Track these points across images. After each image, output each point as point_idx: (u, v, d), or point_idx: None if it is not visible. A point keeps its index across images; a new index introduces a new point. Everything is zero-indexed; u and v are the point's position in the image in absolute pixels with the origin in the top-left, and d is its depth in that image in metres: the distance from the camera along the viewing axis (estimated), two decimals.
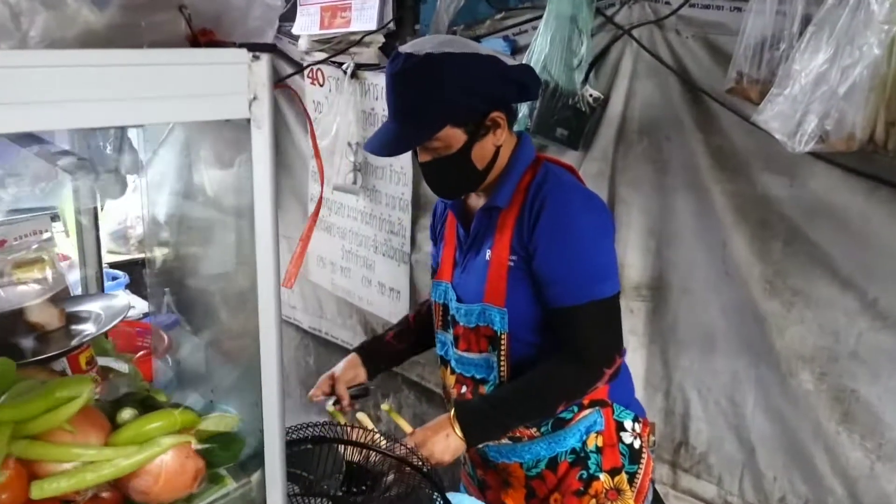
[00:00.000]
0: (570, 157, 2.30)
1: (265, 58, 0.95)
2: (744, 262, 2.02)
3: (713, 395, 2.18)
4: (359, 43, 2.82)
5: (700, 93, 2.02)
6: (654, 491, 1.90)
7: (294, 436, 1.40)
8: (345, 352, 3.44)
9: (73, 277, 3.26)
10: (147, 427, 1.02)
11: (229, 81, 0.93)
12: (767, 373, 2.03)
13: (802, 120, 1.61)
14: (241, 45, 0.94)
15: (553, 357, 1.66)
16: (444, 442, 1.63)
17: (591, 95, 2.19)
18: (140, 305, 2.56)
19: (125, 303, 1.33)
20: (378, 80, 2.82)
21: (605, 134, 2.25)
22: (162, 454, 1.00)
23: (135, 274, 3.03)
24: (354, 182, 2.98)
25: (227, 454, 1.08)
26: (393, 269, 2.99)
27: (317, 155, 1.23)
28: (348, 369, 1.95)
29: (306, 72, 3.16)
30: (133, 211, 4.09)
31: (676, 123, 2.10)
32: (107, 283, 2.90)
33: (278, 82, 1.14)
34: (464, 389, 1.82)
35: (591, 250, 1.63)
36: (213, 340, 1.68)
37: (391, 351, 2.03)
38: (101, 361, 1.35)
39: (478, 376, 1.79)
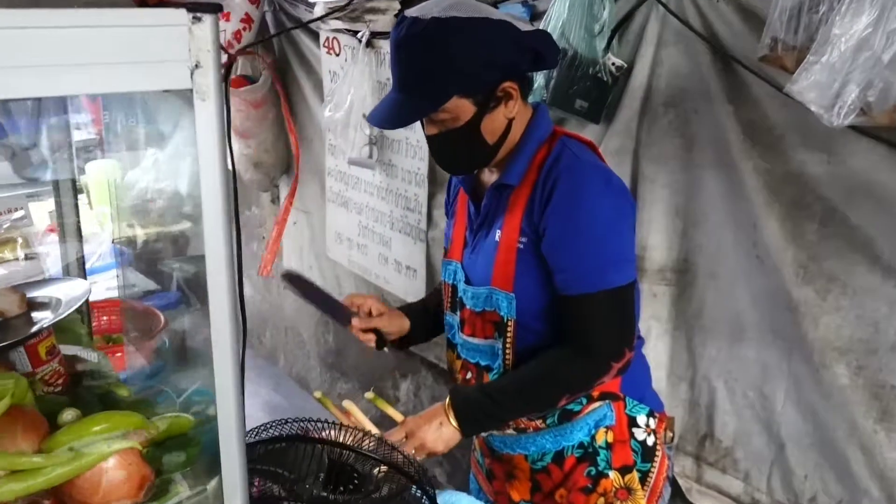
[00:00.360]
0: (590, 131, 2.16)
1: (208, 19, 0.84)
2: (776, 245, 1.86)
3: (741, 386, 2.04)
4: (374, 10, 2.70)
5: (731, 61, 1.86)
6: (674, 486, 1.79)
7: (272, 432, 1.30)
8: None
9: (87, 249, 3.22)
10: (87, 431, 0.92)
11: (166, 47, 0.82)
12: (800, 365, 1.89)
13: (841, 90, 1.46)
14: (180, 5, 0.82)
15: (558, 347, 1.55)
16: (437, 431, 1.55)
17: (613, 64, 2.03)
18: (143, 283, 2.50)
19: (85, 288, 1.24)
20: None
21: (628, 106, 2.09)
22: (102, 461, 0.91)
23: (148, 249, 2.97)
24: (370, 156, 2.87)
25: (179, 460, 0.98)
26: (409, 246, 2.88)
27: (291, 130, 1.12)
28: (396, 317, 1.85)
29: (322, 40, 3.04)
30: (154, 184, 4.04)
31: (705, 94, 1.94)
32: (113, 259, 2.85)
33: (245, 48, 1.02)
34: (469, 375, 1.73)
35: (606, 234, 1.50)
36: (191, 326, 1.59)
37: (425, 308, 1.95)
38: (67, 350, 1.26)
39: (482, 363, 1.69)
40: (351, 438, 1.31)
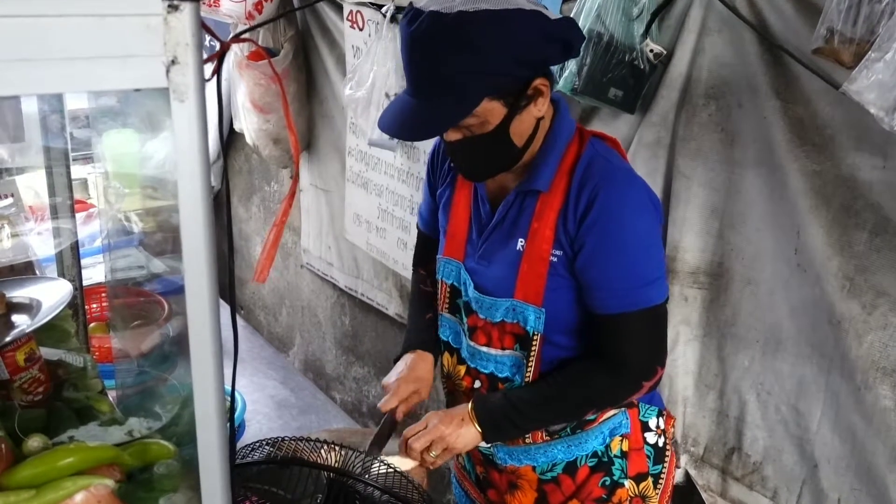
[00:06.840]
0: (623, 122, 2.02)
1: (188, 8, 0.72)
2: (820, 253, 1.72)
3: (774, 400, 1.91)
4: None
5: (781, 52, 1.71)
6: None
7: (265, 451, 1.21)
8: (381, 315, 3.29)
9: (93, 229, 3.12)
10: (53, 465, 0.83)
11: (136, 40, 0.71)
12: (840, 382, 1.76)
13: None
14: None
15: (589, 359, 1.50)
16: (459, 429, 1.50)
17: (651, 51, 1.89)
18: (155, 265, 2.40)
19: (67, 290, 1.14)
20: None
21: (666, 96, 1.95)
22: (67, 498, 0.82)
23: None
24: (391, 137, 2.74)
25: (152, 493, 0.89)
26: None
27: (290, 127, 1.01)
28: (422, 378, 1.70)
29: (345, 13, 2.91)
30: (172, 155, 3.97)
31: (751, 87, 1.79)
32: (123, 238, 2.76)
33: (235, 37, 0.92)
34: (477, 384, 1.64)
35: (645, 253, 1.43)
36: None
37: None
38: (52, 354, 1.18)
39: (500, 375, 1.59)
40: (352, 459, 1.21)
